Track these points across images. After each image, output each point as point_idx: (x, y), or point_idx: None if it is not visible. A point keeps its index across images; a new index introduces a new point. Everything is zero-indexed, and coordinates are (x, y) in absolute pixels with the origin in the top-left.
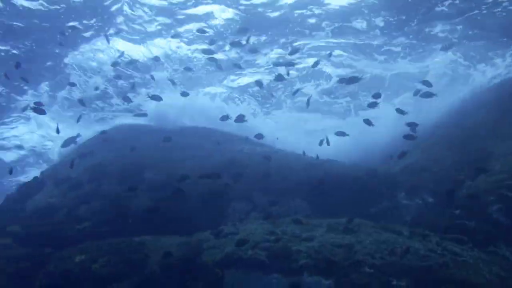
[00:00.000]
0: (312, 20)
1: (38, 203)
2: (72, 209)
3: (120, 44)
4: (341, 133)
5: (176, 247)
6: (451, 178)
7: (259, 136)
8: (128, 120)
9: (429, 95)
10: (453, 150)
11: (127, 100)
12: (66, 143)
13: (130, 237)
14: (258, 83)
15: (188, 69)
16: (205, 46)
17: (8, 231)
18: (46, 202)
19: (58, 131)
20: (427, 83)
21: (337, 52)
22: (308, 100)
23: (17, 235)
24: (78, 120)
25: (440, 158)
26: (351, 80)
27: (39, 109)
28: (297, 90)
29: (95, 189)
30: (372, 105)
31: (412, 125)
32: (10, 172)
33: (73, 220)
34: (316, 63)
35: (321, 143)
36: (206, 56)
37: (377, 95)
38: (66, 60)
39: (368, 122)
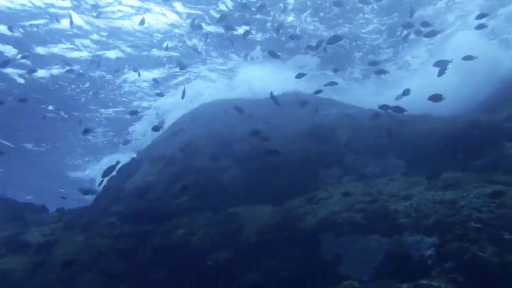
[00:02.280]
0: None
1: (136, 183)
2: (168, 186)
3: None
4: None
5: (270, 215)
6: None
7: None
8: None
9: None
10: None
11: None
12: (106, 173)
13: (224, 209)
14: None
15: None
16: None
17: (113, 211)
18: (143, 181)
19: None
20: None
21: None
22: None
23: (121, 214)
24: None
25: None
26: None
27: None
28: None
29: (188, 165)
30: None
31: None
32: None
33: (171, 196)
34: None
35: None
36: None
37: None
38: None
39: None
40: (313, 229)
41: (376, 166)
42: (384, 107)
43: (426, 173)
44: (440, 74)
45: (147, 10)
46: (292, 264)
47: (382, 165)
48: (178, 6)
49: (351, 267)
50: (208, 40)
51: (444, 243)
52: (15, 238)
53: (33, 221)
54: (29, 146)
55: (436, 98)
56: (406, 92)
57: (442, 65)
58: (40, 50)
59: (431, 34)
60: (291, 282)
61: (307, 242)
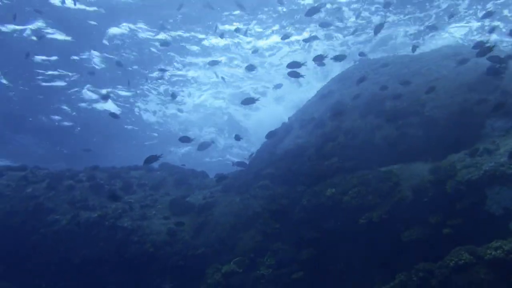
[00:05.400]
0: None
1: (287, 146)
2: (318, 147)
3: None
4: None
5: (428, 172)
6: None
7: None
8: None
9: None
10: None
11: None
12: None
13: (376, 168)
14: None
15: None
16: None
17: (265, 174)
18: (294, 144)
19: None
20: None
21: None
22: None
23: (273, 176)
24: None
25: None
26: None
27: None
28: None
29: (337, 126)
30: None
31: None
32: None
33: (321, 157)
34: None
35: None
36: None
37: None
38: None
39: None
40: (477, 183)
41: None
42: None
43: None
44: None
45: None
46: (455, 220)
47: None
48: None
49: None
50: None
51: None
52: (182, 200)
53: (197, 185)
54: None
55: None
56: None
57: None
58: None
59: None
60: (454, 238)
61: (470, 197)
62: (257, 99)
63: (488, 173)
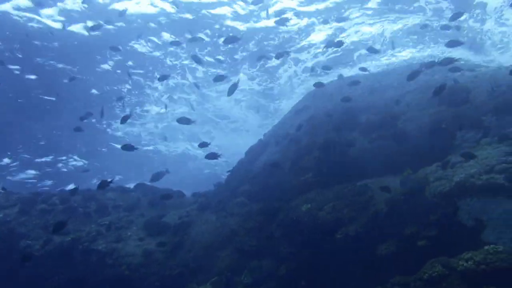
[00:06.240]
0: None
1: (263, 163)
2: (294, 163)
3: None
4: None
5: (401, 184)
6: None
7: None
8: None
9: None
10: None
11: None
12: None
13: (352, 182)
14: None
15: None
16: None
17: (242, 191)
18: (270, 160)
19: None
20: None
21: None
22: None
23: (249, 193)
24: None
25: None
26: None
27: None
28: None
29: (312, 141)
30: None
31: None
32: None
33: (297, 173)
34: None
35: None
36: None
37: None
38: None
39: None
40: (449, 194)
41: None
42: None
43: None
44: None
45: None
46: (429, 232)
47: None
48: None
49: (495, 233)
50: None
51: None
52: (157, 220)
53: (173, 204)
54: None
55: None
56: None
57: None
58: None
59: None
60: (430, 249)
61: (442, 209)
62: (220, 155)
63: (459, 184)
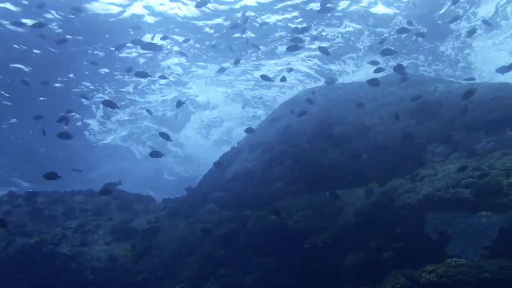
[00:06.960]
0: None
1: (235, 170)
2: (266, 171)
3: None
4: None
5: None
6: None
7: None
8: None
9: None
10: None
11: None
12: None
13: (322, 192)
14: None
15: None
16: None
17: (213, 197)
18: (242, 167)
19: None
20: None
21: None
22: None
23: (220, 200)
24: None
25: None
26: None
27: None
28: None
29: (285, 150)
30: None
31: None
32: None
33: (268, 181)
34: None
35: None
36: None
37: None
38: None
39: None
40: (416, 207)
41: (489, 141)
42: None
43: None
44: None
45: None
46: (395, 244)
47: (496, 139)
48: None
49: (460, 247)
50: None
51: None
52: (125, 225)
53: (142, 210)
54: None
55: None
56: None
57: None
58: None
59: None
60: (395, 261)
61: (410, 221)
62: (163, 154)
63: (426, 197)
